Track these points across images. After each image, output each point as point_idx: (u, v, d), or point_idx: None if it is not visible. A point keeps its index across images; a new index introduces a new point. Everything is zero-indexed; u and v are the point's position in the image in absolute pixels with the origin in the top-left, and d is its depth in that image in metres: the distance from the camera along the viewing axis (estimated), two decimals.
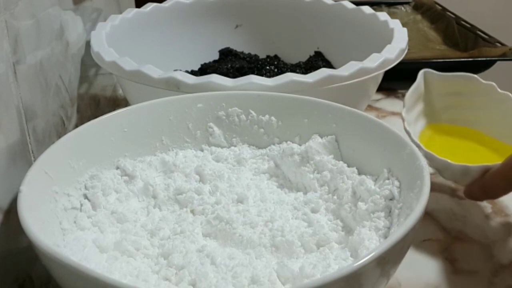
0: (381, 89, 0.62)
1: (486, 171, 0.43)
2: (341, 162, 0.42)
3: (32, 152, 0.41)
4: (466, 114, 0.52)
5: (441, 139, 0.52)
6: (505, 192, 0.43)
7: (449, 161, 0.44)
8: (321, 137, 0.43)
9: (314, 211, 0.40)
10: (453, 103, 0.53)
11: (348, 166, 0.41)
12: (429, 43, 0.86)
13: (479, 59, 0.76)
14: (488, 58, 0.76)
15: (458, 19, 0.90)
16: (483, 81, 0.51)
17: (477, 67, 0.77)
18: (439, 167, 0.46)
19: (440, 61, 0.76)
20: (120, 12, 0.65)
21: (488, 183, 0.43)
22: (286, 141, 0.45)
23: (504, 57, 0.75)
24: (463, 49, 0.82)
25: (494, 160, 0.44)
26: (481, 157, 0.48)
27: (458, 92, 0.52)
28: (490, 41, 0.80)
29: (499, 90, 0.51)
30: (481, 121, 0.52)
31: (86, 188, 0.39)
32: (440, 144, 0.50)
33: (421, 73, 0.52)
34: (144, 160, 0.43)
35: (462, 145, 0.51)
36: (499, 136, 0.50)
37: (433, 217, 0.49)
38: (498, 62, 0.76)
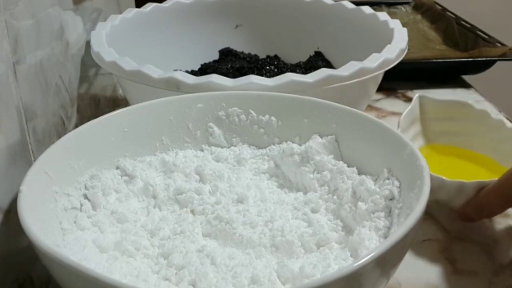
0: (381, 89, 0.62)
1: (481, 188, 0.43)
2: (341, 162, 0.42)
3: (32, 152, 0.41)
4: (460, 140, 0.53)
5: (437, 159, 0.52)
6: (501, 209, 0.42)
7: (444, 178, 0.44)
8: (321, 137, 0.43)
9: (314, 211, 0.40)
10: (448, 128, 0.53)
11: (348, 166, 0.41)
12: (429, 43, 0.86)
13: (479, 59, 0.76)
14: (488, 58, 0.76)
15: (458, 19, 0.90)
16: (477, 107, 0.52)
17: (477, 67, 0.77)
18: (433, 185, 0.45)
19: (440, 61, 0.76)
20: (120, 12, 0.65)
21: (484, 201, 0.42)
22: (286, 141, 0.45)
23: (504, 57, 0.75)
24: (463, 49, 0.82)
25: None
26: (477, 177, 0.48)
27: (452, 118, 0.53)
28: (490, 41, 0.80)
29: (492, 116, 0.51)
30: (476, 146, 0.52)
31: (86, 188, 0.39)
32: (436, 164, 0.50)
33: (416, 97, 0.53)
34: (144, 160, 0.43)
35: (458, 165, 0.51)
36: (494, 158, 0.51)
37: (433, 217, 0.49)
38: (498, 62, 0.76)
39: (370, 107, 0.70)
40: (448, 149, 0.53)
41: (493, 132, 0.51)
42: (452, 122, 0.53)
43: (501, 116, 0.50)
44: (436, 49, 0.83)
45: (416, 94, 0.54)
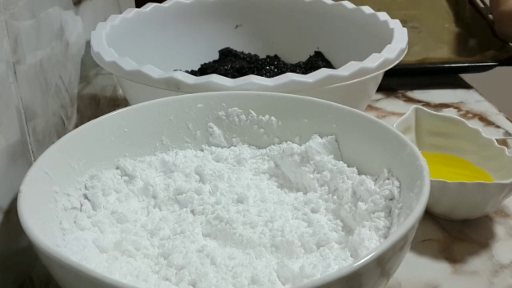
0: (381, 89, 0.62)
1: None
2: (341, 162, 0.42)
3: (32, 152, 0.41)
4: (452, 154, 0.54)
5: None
6: None
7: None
8: (321, 137, 0.43)
9: (314, 211, 0.40)
10: (441, 143, 0.54)
11: (348, 166, 0.41)
12: (439, 20, 0.84)
13: (479, 64, 0.76)
14: (488, 63, 0.75)
15: None
16: (470, 125, 0.53)
17: (478, 68, 0.77)
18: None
19: (439, 67, 0.76)
20: (120, 12, 0.65)
21: None
22: (286, 141, 0.45)
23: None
24: (472, 31, 0.80)
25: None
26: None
27: (445, 133, 0.54)
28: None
29: (483, 135, 0.52)
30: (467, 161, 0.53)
31: (86, 188, 0.39)
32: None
33: (412, 108, 0.54)
34: (144, 160, 0.43)
35: (451, 172, 0.51)
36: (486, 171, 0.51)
37: (433, 217, 0.49)
38: None
39: (370, 107, 0.70)
40: (442, 157, 0.53)
41: (483, 150, 0.52)
42: (445, 138, 0.54)
43: (490, 136, 0.52)
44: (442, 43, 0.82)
45: (412, 106, 0.55)
